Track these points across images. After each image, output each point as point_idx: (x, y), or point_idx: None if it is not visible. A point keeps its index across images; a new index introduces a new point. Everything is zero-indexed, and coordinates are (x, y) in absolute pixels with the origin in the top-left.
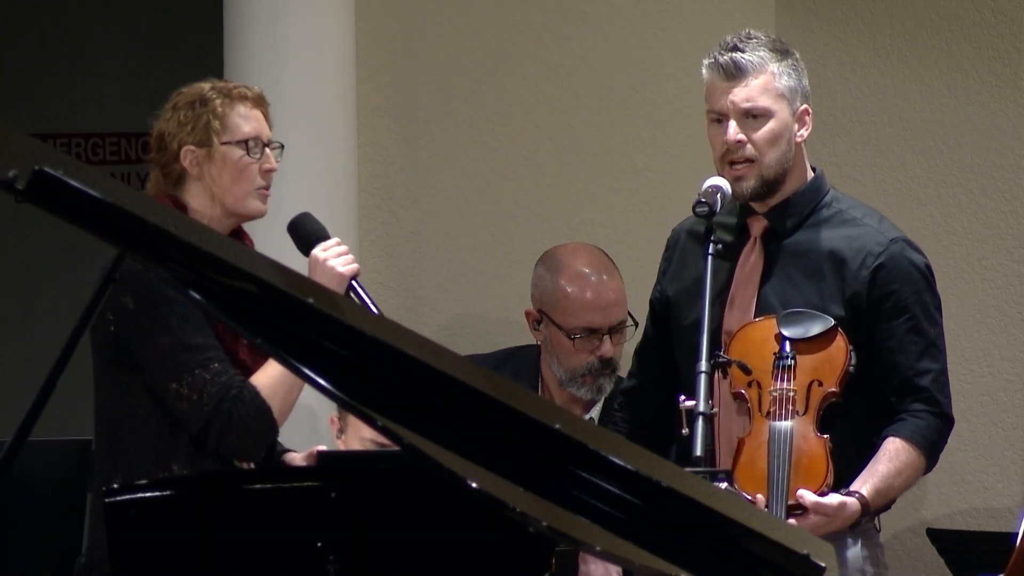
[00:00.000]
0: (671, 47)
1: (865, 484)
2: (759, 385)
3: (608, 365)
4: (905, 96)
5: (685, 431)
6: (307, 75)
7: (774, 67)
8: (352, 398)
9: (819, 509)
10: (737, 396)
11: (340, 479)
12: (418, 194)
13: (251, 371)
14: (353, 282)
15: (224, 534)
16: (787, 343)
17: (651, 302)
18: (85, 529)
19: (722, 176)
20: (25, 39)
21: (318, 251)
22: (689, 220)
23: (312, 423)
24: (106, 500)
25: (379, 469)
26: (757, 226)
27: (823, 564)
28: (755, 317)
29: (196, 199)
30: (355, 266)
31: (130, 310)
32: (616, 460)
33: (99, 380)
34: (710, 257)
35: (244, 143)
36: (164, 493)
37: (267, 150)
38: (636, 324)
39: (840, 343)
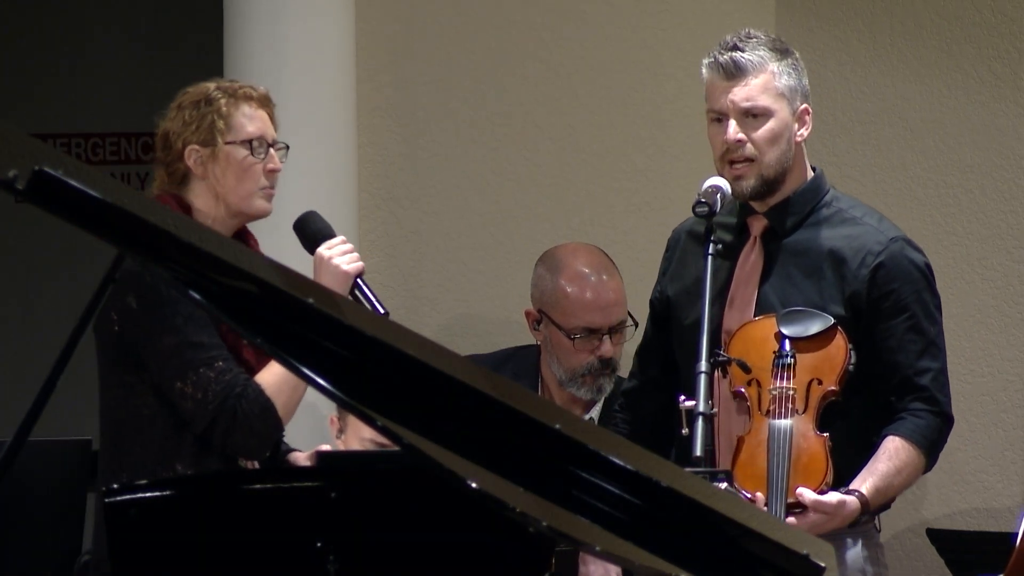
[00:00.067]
0: (671, 47)
1: (865, 482)
2: (759, 384)
3: (608, 365)
4: (905, 96)
5: (685, 431)
6: (307, 75)
7: (774, 66)
8: (352, 398)
9: (818, 507)
10: (737, 395)
11: (340, 479)
12: (418, 194)
13: (255, 370)
14: (358, 280)
15: (224, 534)
16: (787, 342)
17: (651, 303)
18: (87, 529)
19: (722, 175)
20: (25, 39)
21: (323, 249)
22: (689, 221)
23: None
24: (106, 500)
25: (379, 469)
26: (757, 225)
27: (823, 564)
28: (755, 316)
29: (200, 199)
30: (360, 264)
31: (134, 310)
32: (616, 460)
33: (104, 380)
34: (710, 257)
35: (248, 143)
36: (164, 493)
37: (271, 150)
38: (636, 324)
39: (840, 342)
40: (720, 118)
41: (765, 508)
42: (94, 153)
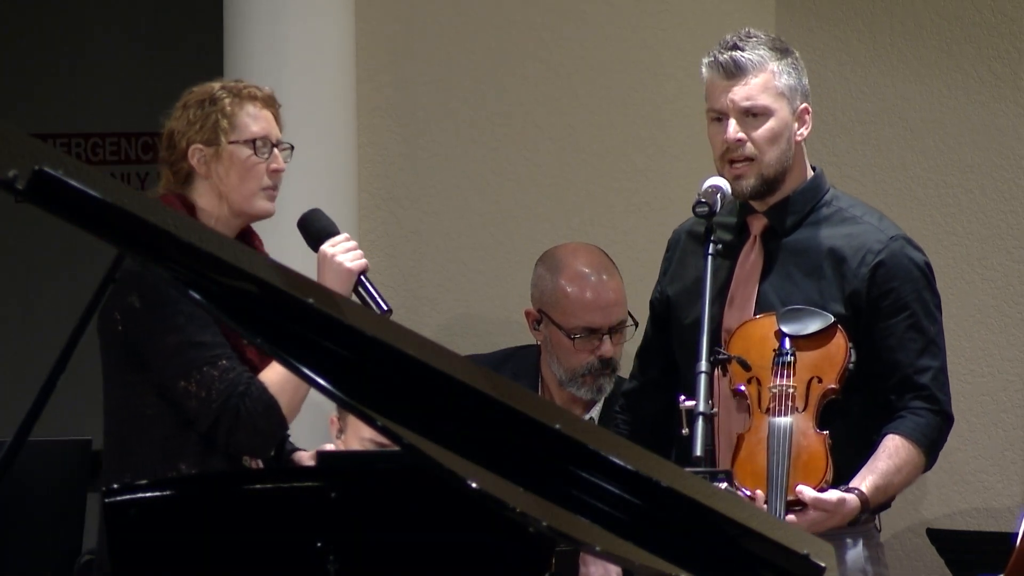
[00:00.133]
0: (671, 47)
1: (864, 480)
2: (759, 381)
3: (608, 365)
4: (905, 96)
5: (685, 431)
6: (307, 75)
7: (774, 66)
8: (352, 398)
9: (818, 505)
10: (737, 393)
11: (340, 479)
12: (418, 194)
13: (258, 369)
14: (362, 277)
15: (224, 534)
16: (787, 340)
17: (651, 303)
18: (88, 529)
19: (722, 175)
20: (25, 39)
21: (327, 247)
22: (689, 221)
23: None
24: (106, 500)
25: (379, 469)
26: (757, 224)
27: (823, 564)
28: (755, 315)
29: (204, 198)
30: (363, 261)
31: (137, 309)
32: (616, 460)
33: (108, 380)
34: (710, 257)
35: (252, 142)
36: (164, 493)
37: (275, 150)
38: (636, 324)
39: (839, 340)
40: (720, 117)
41: (765, 506)
42: (94, 153)
